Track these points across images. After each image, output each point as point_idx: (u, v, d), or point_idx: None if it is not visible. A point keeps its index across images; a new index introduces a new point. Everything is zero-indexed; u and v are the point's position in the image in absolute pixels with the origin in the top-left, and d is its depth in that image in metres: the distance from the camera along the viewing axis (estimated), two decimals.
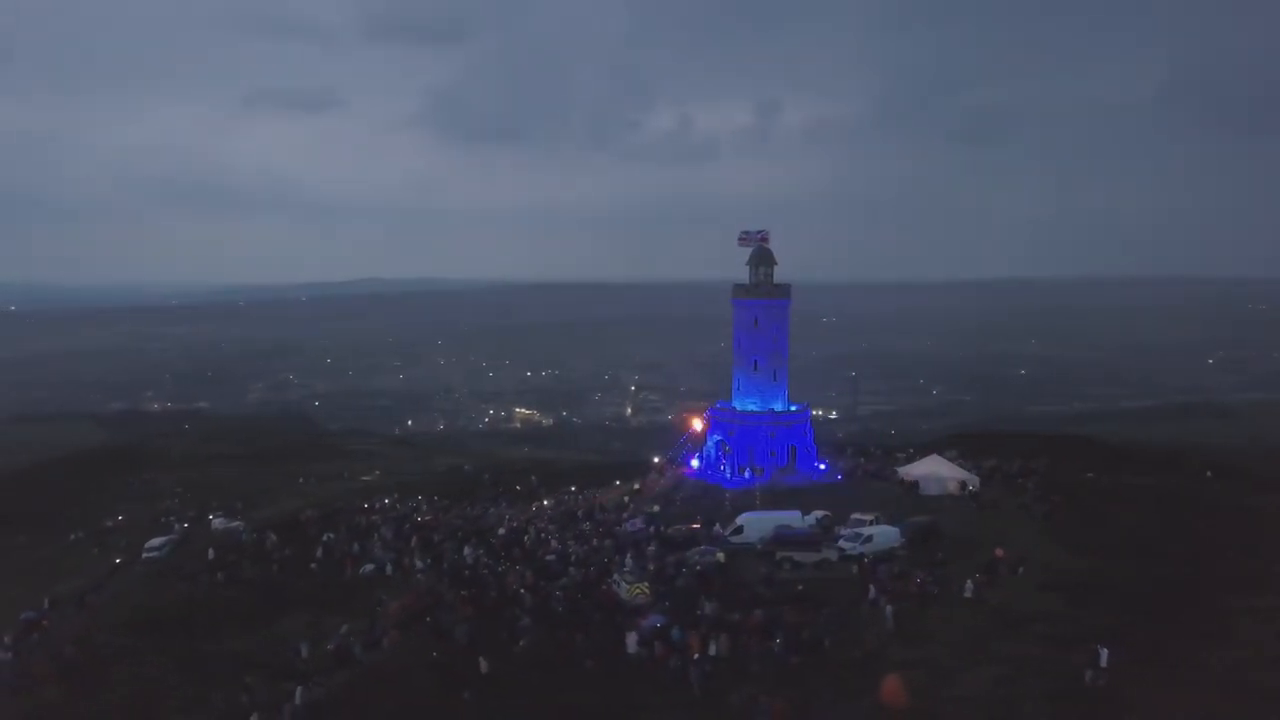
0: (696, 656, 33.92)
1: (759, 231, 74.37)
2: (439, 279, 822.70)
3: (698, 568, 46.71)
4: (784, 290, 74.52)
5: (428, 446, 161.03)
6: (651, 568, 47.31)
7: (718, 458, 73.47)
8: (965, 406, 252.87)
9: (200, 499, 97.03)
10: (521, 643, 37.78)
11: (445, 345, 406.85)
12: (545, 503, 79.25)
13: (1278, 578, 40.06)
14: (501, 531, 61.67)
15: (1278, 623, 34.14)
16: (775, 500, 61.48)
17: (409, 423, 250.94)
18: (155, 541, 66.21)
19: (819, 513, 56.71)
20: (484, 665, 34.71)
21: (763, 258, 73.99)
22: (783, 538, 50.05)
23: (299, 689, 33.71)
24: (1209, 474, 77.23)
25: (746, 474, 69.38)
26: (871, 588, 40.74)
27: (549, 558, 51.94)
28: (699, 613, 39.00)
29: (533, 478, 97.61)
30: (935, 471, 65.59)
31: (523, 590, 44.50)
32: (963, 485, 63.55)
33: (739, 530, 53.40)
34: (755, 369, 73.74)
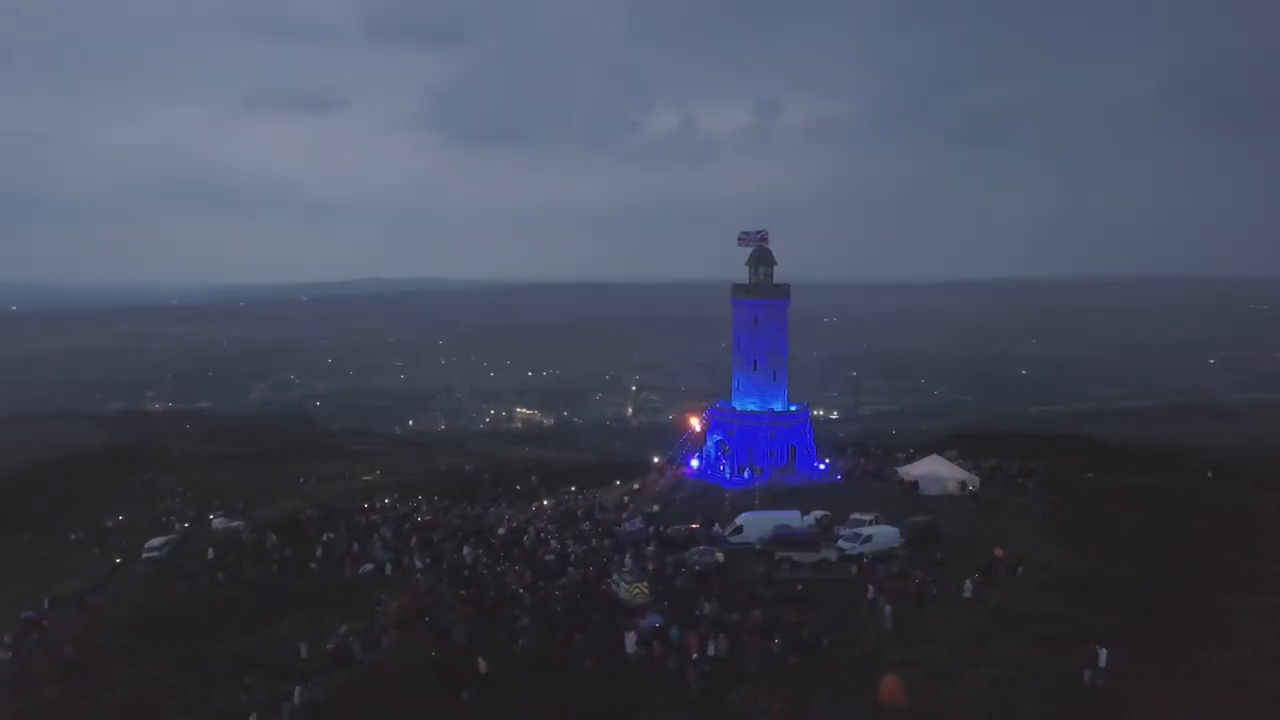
0: (695, 656, 33.92)
1: (758, 231, 74.37)
2: (439, 279, 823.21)
3: (697, 568, 46.69)
4: (783, 290, 74.52)
5: (429, 446, 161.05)
6: (651, 568, 47.31)
7: (717, 458, 73.47)
8: (965, 406, 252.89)
9: (201, 499, 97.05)
10: (520, 642, 37.79)
11: (446, 345, 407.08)
12: (545, 503, 79.28)
13: (1278, 578, 40.03)
14: (501, 531, 61.69)
15: (1278, 623, 34.11)
16: (774, 500, 61.41)
17: (410, 423, 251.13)
18: (155, 541, 66.23)
19: (818, 513, 56.66)
20: (483, 665, 34.71)
21: (762, 258, 73.99)
22: (782, 538, 50.00)
23: (298, 689, 33.74)
24: (1209, 474, 77.16)
25: (746, 474, 69.35)
26: (870, 588, 40.68)
27: (548, 558, 51.92)
28: (698, 613, 38.99)
29: (533, 478, 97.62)
30: (935, 471, 65.55)
31: (521, 590, 44.48)
32: (963, 485, 63.49)
33: (738, 530, 53.36)
34: (755, 369, 73.73)
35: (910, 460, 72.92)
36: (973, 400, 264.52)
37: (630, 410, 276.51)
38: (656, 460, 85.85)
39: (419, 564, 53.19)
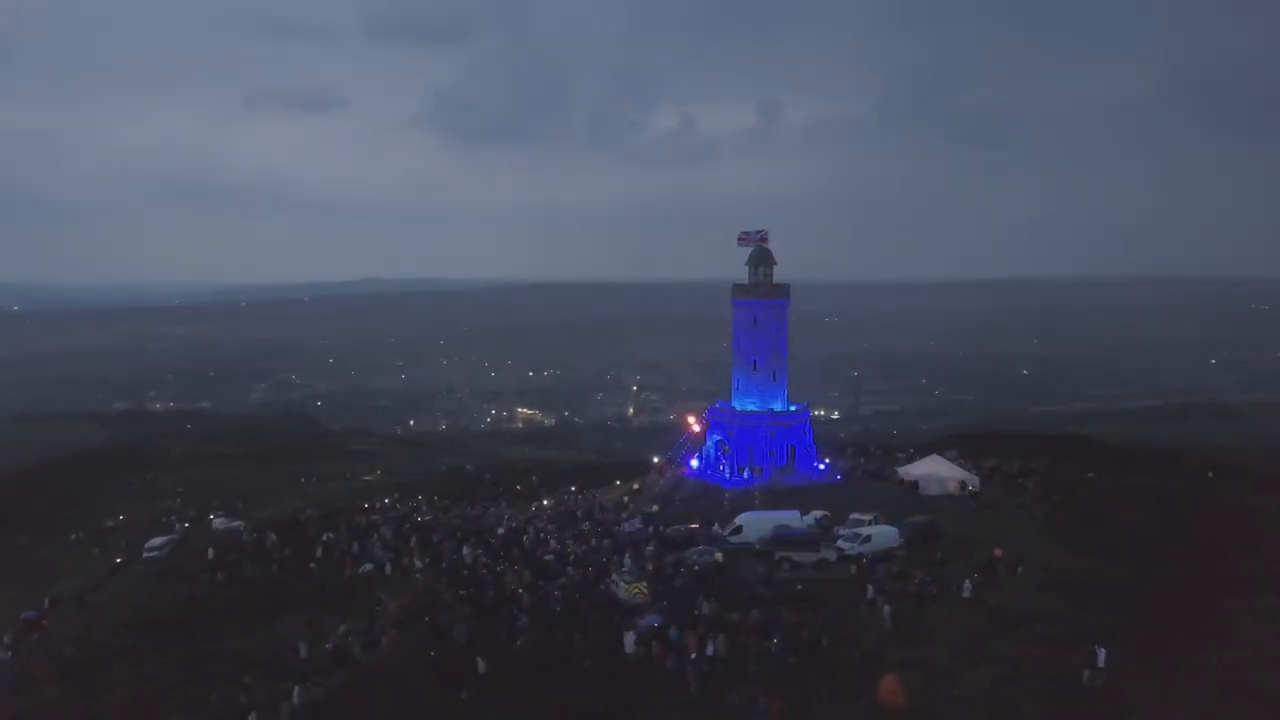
0: (694, 656, 33.90)
1: (758, 231, 74.34)
2: (439, 279, 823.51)
3: (696, 568, 46.66)
4: (783, 290, 74.49)
5: (429, 446, 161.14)
6: (650, 567, 47.28)
7: (717, 458, 73.46)
8: (966, 406, 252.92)
9: (201, 499, 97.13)
10: (519, 642, 37.78)
11: (446, 345, 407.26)
12: (545, 502, 79.29)
13: (1278, 578, 39.98)
14: (501, 531, 61.71)
15: (1278, 623, 34.06)
16: (774, 500, 61.41)
17: (411, 423, 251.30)
18: (155, 541, 66.33)
19: (818, 513, 56.63)
20: (482, 665, 34.71)
21: (762, 258, 73.97)
22: (781, 538, 49.97)
23: (297, 688, 33.75)
24: (1210, 474, 77.09)
25: (745, 474, 69.33)
26: (870, 588, 40.66)
27: (547, 557, 51.92)
28: (697, 612, 38.97)
29: (533, 478, 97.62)
30: (935, 471, 65.52)
31: (521, 590, 44.47)
32: (963, 485, 63.46)
33: (738, 530, 53.36)
34: (755, 369, 73.71)
35: (910, 460, 72.90)
36: (973, 400, 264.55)
37: (631, 410, 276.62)
38: (656, 460, 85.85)
39: (418, 564, 53.20)
